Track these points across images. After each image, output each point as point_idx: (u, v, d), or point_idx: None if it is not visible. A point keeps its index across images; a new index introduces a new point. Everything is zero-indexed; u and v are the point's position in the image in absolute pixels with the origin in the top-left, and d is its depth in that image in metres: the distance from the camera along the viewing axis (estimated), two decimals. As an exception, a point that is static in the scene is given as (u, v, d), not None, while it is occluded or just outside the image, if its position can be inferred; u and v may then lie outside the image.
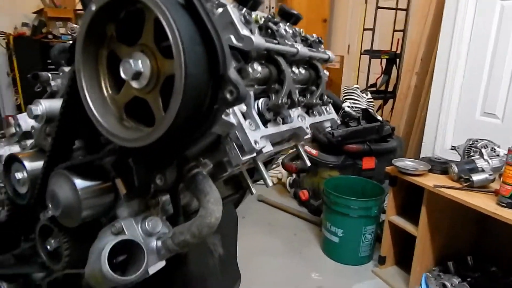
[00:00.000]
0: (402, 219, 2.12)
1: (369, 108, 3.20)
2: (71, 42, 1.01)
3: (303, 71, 0.68)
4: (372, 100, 3.42)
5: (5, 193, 0.62)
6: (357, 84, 3.92)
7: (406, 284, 2.08)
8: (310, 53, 0.68)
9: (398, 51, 4.00)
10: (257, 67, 0.54)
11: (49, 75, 0.93)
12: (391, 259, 2.23)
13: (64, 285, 0.66)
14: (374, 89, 4.14)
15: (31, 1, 4.64)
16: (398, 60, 4.00)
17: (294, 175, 3.37)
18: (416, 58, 3.48)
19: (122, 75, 0.43)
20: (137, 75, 0.42)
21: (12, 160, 0.59)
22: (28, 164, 0.57)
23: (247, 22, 0.51)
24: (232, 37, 0.49)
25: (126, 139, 0.44)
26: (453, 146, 2.49)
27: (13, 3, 4.65)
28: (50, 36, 4.44)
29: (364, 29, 4.05)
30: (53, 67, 1.06)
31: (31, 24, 4.69)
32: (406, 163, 2.09)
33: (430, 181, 1.89)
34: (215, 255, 0.76)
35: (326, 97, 0.75)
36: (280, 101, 0.56)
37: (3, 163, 0.64)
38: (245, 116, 0.53)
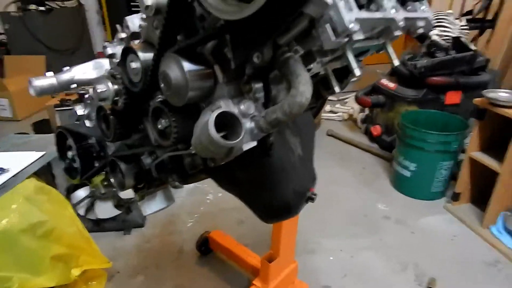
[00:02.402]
0: (486, 155, 1.97)
1: (461, 36, 2.82)
2: None
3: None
4: (467, 28, 3.00)
5: (121, 83, 0.72)
6: (450, 9, 3.45)
7: (480, 221, 2.00)
8: None
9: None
10: None
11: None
12: (466, 196, 2.14)
13: (169, 167, 0.78)
14: (470, 16, 3.61)
15: None
16: (504, -19, 3.38)
17: (367, 110, 3.25)
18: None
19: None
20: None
21: (127, 51, 0.67)
22: (141, 54, 0.65)
23: None
24: None
25: (225, 11, 0.47)
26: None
27: None
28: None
29: None
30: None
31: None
32: (499, 95, 1.89)
33: (527, 114, 1.70)
34: (296, 154, 0.82)
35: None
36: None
37: (119, 56, 0.74)
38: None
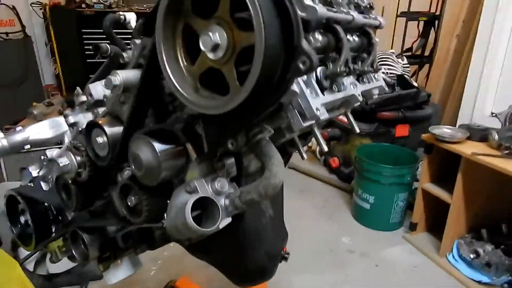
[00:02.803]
0: (436, 186, 2.12)
1: (405, 74, 3.09)
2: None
3: (356, 38, 0.69)
4: (408, 65, 3.30)
5: (86, 156, 0.69)
6: (391, 48, 3.77)
7: (437, 250, 2.12)
8: (364, 20, 0.69)
9: (437, 13, 3.78)
10: (318, 36, 0.55)
11: (108, 46, 0.99)
12: (422, 226, 2.27)
13: (137, 237, 0.75)
14: (409, 53, 3.97)
15: (63, -31, 4.68)
16: (437, 22, 3.78)
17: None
18: (458, 19, 3.29)
19: (202, 47, 0.47)
20: (215, 47, 0.46)
21: (93, 126, 0.66)
22: (108, 130, 0.63)
23: (309, -9, 0.52)
24: (295, 6, 0.51)
25: (204, 106, 0.49)
26: (493, 113, 2.40)
27: (46, -29, 4.71)
28: (83, 6, 4.49)
29: (401, -11, 3.82)
30: (104, 36, 1.12)
31: (64, -7, 4.76)
32: (444, 131, 2.06)
33: (468, 148, 1.87)
34: (267, 215, 0.83)
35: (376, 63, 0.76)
36: (338, 70, 0.59)
37: (82, 129, 0.72)
38: (306, 84, 0.56)
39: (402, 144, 2.67)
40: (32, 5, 4.69)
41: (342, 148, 3.02)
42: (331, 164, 3.05)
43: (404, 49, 3.89)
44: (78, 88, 0.84)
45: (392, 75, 2.99)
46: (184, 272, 1.80)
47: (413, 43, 4.04)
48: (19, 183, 1.66)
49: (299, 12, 0.51)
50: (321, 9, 0.52)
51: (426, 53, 3.93)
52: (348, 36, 0.67)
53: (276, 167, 0.54)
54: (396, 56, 3.30)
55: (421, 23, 3.86)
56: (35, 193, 0.95)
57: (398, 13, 3.88)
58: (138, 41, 0.65)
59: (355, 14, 0.64)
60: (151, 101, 0.60)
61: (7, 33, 4.24)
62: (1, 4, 4.19)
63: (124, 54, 0.69)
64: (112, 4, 4.61)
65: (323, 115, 0.58)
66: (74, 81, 4.78)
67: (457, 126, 2.62)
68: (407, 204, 2.34)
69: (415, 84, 2.95)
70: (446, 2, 3.71)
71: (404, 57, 3.38)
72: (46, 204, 0.95)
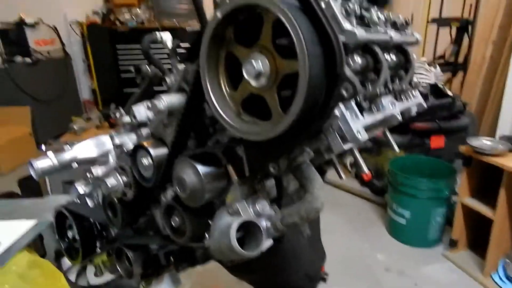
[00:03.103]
0: (477, 201, 2.02)
1: (438, 83, 2.99)
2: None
3: (394, 57, 0.69)
4: (441, 74, 3.20)
5: (131, 176, 0.72)
6: (423, 55, 3.67)
7: (480, 269, 2.01)
8: (401, 39, 0.69)
9: (471, 18, 3.65)
10: (357, 59, 0.56)
11: (148, 68, 1.04)
12: (463, 243, 2.16)
13: (178, 255, 0.77)
14: (442, 61, 3.86)
15: (100, -10, 4.97)
16: (470, 27, 3.65)
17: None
18: (493, 25, 3.17)
19: (245, 75, 0.48)
20: (258, 75, 0.47)
21: (139, 148, 0.69)
22: (153, 152, 0.66)
23: (347, 14, 0.53)
24: (333, 25, 0.51)
25: (247, 132, 0.50)
26: (537, 123, 2.28)
27: (85, -7, 5.02)
28: (117, 23, 4.73)
29: (432, -4, 3.74)
30: (137, 51, 1.18)
31: (100, 12, 5.03)
32: (483, 142, 1.97)
33: (511, 161, 1.77)
34: (305, 235, 0.83)
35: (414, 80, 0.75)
36: (378, 91, 0.58)
37: (128, 150, 0.76)
38: (345, 106, 0.56)
39: (438, 156, 2.57)
40: (71, 24, 5.00)
41: (374, 160, 2.95)
42: (363, 177, 2.98)
43: (436, 56, 3.78)
44: (113, 106, 0.88)
45: (424, 84, 2.91)
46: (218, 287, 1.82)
47: (445, 50, 3.92)
48: (63, 196, 1.76)
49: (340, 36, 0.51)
50: (360, 33, 0.53)
51: (460, 59, 3.80)
52: (386, 55, 0.67)
53: (317, 190, 0.55)
54: (428, 64, 3.21)
55: (453, 29, 3.74)
56: (82, 210, 1.00)
57: (429, 19, 3.78)
58: (180, 66, 0.68)
59: (392, 33, 0.64)
60: (193, 125, 0.63)
61: (48, 52, 4.53)
62: (44, 24, 4.48)
63: (167, 79, 0.73)
64: (144, 21, 4.82)
65: (364, 137, 0.58)
66: (109, 95, 5.02)
67: (496, 137, 2.50)
68: (445, 219, 2.24)
69: (450, 93, 2.85)
70: (479, 7, 3.58)
71: (437, 65, 3.28)
72: (91, 220, 1.00)
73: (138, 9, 4.81)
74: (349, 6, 0.53)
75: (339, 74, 0.44)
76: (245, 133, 0.50)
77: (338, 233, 2.45)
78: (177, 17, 4.95)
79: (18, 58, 4.14)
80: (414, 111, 0.81)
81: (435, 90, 2.84)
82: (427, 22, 3.78)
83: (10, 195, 2.77)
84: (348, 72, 0.44)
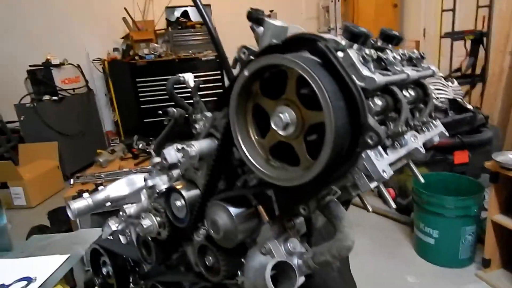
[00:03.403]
0: (508, 218, 1.96)
1: (457, 97, 2.97)
2: (187, 78, 1.17)
3: (412, 92, 0.71)
4: (459, 88, 3.17)
5: (165, 217, 0.76)
6: (438, 69, 3.65)
7: (517, 288, 1.93)
8: (418, 74, 0.71)
9: (485, 30, 3.63)
10: (377, 101, 0.58)
11: (174, 110, 1.10)
12: (496, 262, 2.08)
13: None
14: (459, 74, 3.83)
15: (119, 28, 5.24)
16: (485, 39, 3.63)
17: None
18: (509, 36, 3.14)
19: (273, 126, 0.52)
20: (286, 126, 0.51)
21: (172, 191, 0.73)
22: (185, 194, 0.70)
23: (365, 61, 0.56)
24: (354, 77, 0.55)
25: (277, 178, 0.53)
26: None
27: (105, 31, 5.31)
28: (136, 58, 4.95)
29: (443, 11, 3.74)
30: (166, 96, 1.24)
31: (120, 48, 5.29)
32: (509, 157, 1.93)
33: (541, 176, 1.73)
34: (334, 268, 0.83)
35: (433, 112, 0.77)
36: (400, 129, 0.61)
37: (160, 191, 0.80)
38: (370, 147, 0.59)
39: (462, 172, 2.52)
40: (93, 61, 5.26)
41: (397, 178, 2.91)
42: (386, 196, 2.94)
43: (452, 70, 3.76)
44: (136, 136, 0.93)
45: (443, 99, 2.89)
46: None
47: (461, 63, 3.89)
48: (93, 230, 1.81)
49: (357, 83, 0.54)
50: (379, 78, 0.56)
51: (478, 71, 3.76)
52: (404, 92, 0.69)
53: (347, 229, 0.57)
54: (444, 79, 3.19)
55: (468, 42, 3.73)
56: (115, 247, 1.04)
57: (442, 34, 3.79)
58: (208, 114, 0.73)
59: (409, 71, 0.66)
60: (224, 168, 0.66)
61: (73, 89, 4.76)
62: (69, 64, 4.74)
63: (196, 126, 0.77)
64: (162, 54, 5.02)
65: (389, 174, 0.60)
66: (131, 126, 5.20)
67: (523, 149, 2.44)
68: (476, 237, 2.16)
69: (470, 107, 2.81)
70: (492, 19, 3.57)
71: (454, 80, 3.25)
72: (125, 256, 1.04)
73: (155, 44, 5.02)
74: (365, 53, 0.56)
75: (363, 124, 0.47)
76: (276, 179, 0.53)
77: (365, 256, 2.40)
78: (192, 48, 5.14)
79: (46, 97, 4.37)
80: (436, 140, 0.82)
81: (454, 104, 2.81)
82: (440, 36, 3.78)
83: (41, 228, 2.87)
84: (371, 121, 0.47)
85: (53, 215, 3.22)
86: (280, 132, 0.52)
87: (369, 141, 0.47)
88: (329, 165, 0.48)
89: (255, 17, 0.63)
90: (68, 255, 1.58)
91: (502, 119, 3.15)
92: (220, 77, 5.15)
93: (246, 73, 0.53)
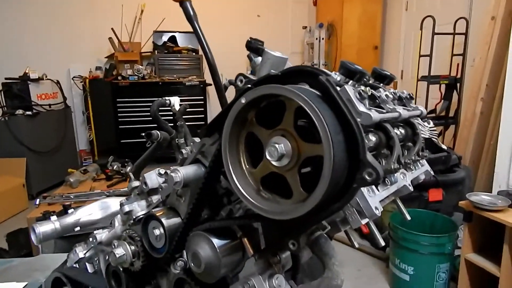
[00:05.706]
0: (481, 257, 1.99)
1: (432, 137, 3.08)
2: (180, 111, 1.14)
3: (402, 130, 0.72)
4: (435, 128, 3.29)
5: (141, 246, 0.71)
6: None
7: (490, 330, 1.92)
8: (409, 113, 0.72)
9: (458, 76, 3.86)
10: (371, 137, 0.58)
11: (158, 132, 1.07)
12: (470, 301, 2.08)
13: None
14: (433, 115, 4.00)
15: (104, 47, 5.20)
16: (458, 84, 3.85)
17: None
18: (481, 84, 3.34)
19: (267, 156, 0.50)
20: (281, 157, 0.49)
21: (150, 218, 0.68)
22: (165, 222, 0.66)
23: (361, 97, 0.56)
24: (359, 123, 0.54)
25: (268, 211, 0.50)
26: (532, 177, 2.32)
27: (89, 49, 5.25)
28: (119, 78, 4.89)
29: (420, 56, 3.96)
30: (150, 119, 1.21)
31: (104, 67, 5.23)
32: (482, 198, 1.99)
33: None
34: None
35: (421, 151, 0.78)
36: (392, 167, 0.60)
37: (137, 217, 0.75)
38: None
39: (436, 209, 2.57)
40: (74, 78, 5.16)
41: (373, 213, 2.93)
42: (362, 230, 2.93)
43: (427, 111, 3.93)
44: (111, 156, 0.88)
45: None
46: None
47: (436, 105, 4.08)
48: (56, 255, 1.68)
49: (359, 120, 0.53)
50: (375, 115, 0.56)
51: (451, 114, 3.95)
52: (395, 130, 0.70)
53: (337, 267, 0.54)
54: (421, 119, 3.32)
55: (443, 86, 3.93)
56: (81, 276, 0.96)
57: (419, 77, 3.98)
58: (197, 140, 0.70)
59: (401, 110, 0.67)
60: (209, 197, 0.63)
61: (50, 105, 4.60)
62: (47, 79, 4.61)
63: (183, 151, 0.74)
64: (146, 76, 4.99)
65: (380, 211, 0.59)
66: (106, 146, 5.05)
67: (493, 191, 2.53)
68: (450, 275, 2.17)
69: (444, 147, 2.92)
70: (465, 66, 3.80)
71: (430, 120, 3.38)
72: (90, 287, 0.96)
73: (140, 65, 5.00)
74: (362, 90, 0.56)
75: (361, 159, 0.45)
76: (267, 211, 0.50)
77: (340, 292, 2.35)
78: (177, 72, 5.15)
79: (19, 111, 4.20)
80: (422, 178, 0.83)
81: (429, 144, 2.90)
82: (417, 79, 3.97)
83: (-3, 252, 2.65)
84: (370, 158, 0.46)
85: (12, 237, 2.99)
86: (274, 163, 0.51)
87: (367, 177, 0.45)
88: (324, 200, 0.46)
89: (255, 47, 0.63)
90: (25, 283, 1.45)
91: (474, 160, 3.28)
92: (203, 102, 5.15)
93: (243, 100, 0.51)
